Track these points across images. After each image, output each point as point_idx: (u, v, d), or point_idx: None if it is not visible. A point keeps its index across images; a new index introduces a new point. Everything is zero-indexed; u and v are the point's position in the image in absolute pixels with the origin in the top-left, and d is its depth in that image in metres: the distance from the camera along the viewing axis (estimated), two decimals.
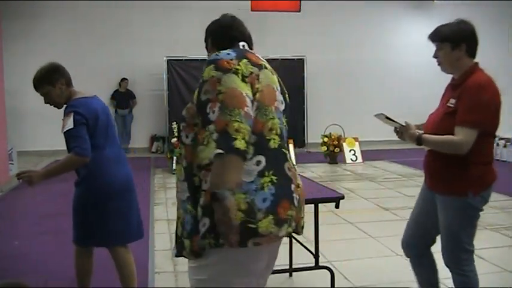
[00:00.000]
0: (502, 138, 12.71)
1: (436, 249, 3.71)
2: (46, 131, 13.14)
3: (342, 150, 12.60)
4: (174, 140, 11.56)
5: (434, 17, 16.51)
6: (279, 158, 2.42)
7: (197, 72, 14.18)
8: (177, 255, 2.53)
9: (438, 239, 3.66)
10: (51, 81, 3.94)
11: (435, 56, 3.55)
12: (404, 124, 3.61)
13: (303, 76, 14.84)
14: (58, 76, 3.97)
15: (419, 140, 3.46)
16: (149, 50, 14.49)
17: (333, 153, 12.47)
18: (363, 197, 8.46)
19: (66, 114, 3.85)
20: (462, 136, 3.24)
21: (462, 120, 3.26)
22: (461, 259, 3.53)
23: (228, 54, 2.43)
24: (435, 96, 14.97)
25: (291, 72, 14.45)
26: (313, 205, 4.13)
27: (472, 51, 3.46)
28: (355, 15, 15.79)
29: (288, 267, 4.83)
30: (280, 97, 2.57)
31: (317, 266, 4.21)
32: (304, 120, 14.83)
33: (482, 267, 5.24)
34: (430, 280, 3.85)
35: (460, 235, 3.49)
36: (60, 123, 3.84)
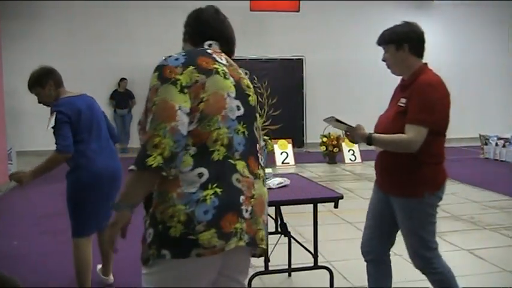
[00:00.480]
0: (501, 138, 12.72)
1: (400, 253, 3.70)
2: (45, 131, 13.12)
3: (340, 150, 12.60)
4: None
5: (433, 17, 16.55)
6: (225, 169, 2.32)
7: None
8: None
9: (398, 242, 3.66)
10: (41, 84, 4.33)
11: (383, 60, 3.61)
12: (354, 126, 3.61)
13: (302, 76, 14.85)
14: (48, 79, 4.33)
15: (369, 140, 3.46)
16: (148, 50, 14.46)
17: (332, 153, 12.47)
18: (361, 196, 8.44)
19: (51, 113, 4.22)
20: (412, 134, 3.25)
21: (412, 118, 3.28)
22: (427, 258, 3.50)
23: (176, 59, 2.36)
24: None
25: (290, 72, 14.49)
26: (312, 205, 4.12)
27: (417, 51, 3.51)
28: (354, 15, 15.79)
29: (287, 267, 4.82)
30: (233, 103, 2.41)
31: (316, 266, 4.20)
32: (303, 120, 14.85)
33: (481, 267, 5.27)
34: (383, 286, 3.82)
35: (422, 235, 3.47)
36: None
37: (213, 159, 2.29)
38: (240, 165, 2.37)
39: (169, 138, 2.18)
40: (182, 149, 2.24)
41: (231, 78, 2.44)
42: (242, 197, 2.32)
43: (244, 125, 2.44)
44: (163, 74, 2.30)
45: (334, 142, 12.46)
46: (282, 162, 12.18)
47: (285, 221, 4.48)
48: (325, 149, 12.44)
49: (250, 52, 14.33)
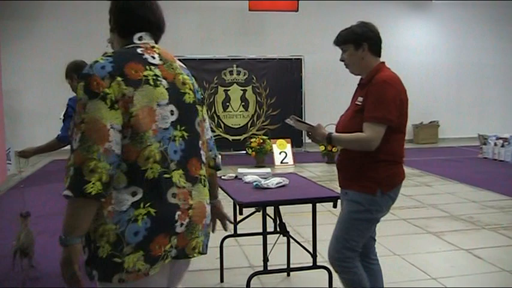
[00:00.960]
0: (500, 138, 12.72)
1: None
2: (43, 131, 13.07)
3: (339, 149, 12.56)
4: None
5: (432, 17, 16.58)
6: (160, 187, 2.20)
7: (195, 71, 14.09)
8: None
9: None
10: (69, 76, 4.80)
11: (341, 59, 3.60)
12: (314, 125, 3.60)
13: (301, 76, 14.83)
14: (73, 73, 4.79)
15: (329, 139, 3.45)
16: None
17: (330, 153, 12.46)
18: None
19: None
20: (369, 132, 3.25)
21: (369, 116, 3.28)
22: (345, 256, 3.46)
23: (103, 67, 2.16)
24: (433, 96, 15.06)
25: (289, 72, 14.49)
26: (310, 205, 4.12)
27: (375, 50, 3.50)
28: (353, 15, 15.69)
29: (285, 267, 4.83)
30: (165, 111, 2.26)
31: (315, 266, 4.20)
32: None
33: (480, 267, 5.28)
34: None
35: (352, 231, 3.45)
36: (57, 122, 4.25)
37: (147, 177, 2.17)
38: (176, 175, 2.27)
39: (105, 161, 2.06)
40: (116, 168, 2.13)
41: (164, 82, 2.29)
42: (178, 213, 2.24)
43: (182, 128, 2.33)
44: (90, 86, 2.13)
45: None
46: (281, 162, 12.19)
47: (283, 221, 4.48)
48: (324, 148, 12.43)
49: (249, 52, 14.35)
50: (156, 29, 2.47)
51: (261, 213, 4.15)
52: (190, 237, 2.29)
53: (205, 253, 2.42)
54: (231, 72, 14.36)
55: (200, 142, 2.44)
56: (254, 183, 4.27)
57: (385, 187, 3.34)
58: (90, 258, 2.19)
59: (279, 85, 14.40)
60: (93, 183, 2.03)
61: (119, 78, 2.15)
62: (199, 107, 2.46)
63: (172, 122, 2.28)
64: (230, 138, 14.12)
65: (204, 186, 2.42)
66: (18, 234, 4.75)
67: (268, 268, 4.20)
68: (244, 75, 14.42)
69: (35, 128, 13.86)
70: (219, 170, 2.76)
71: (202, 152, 2.44)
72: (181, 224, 2.24)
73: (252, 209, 4.36)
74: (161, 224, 2.18)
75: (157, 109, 2.22)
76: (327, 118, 13.65)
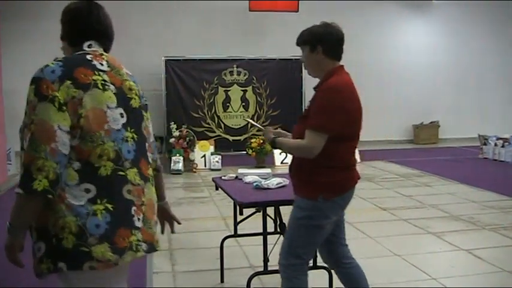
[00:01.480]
0: (500, 138, 12.73)
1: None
2: None
3: None
4: (172, 140, 11.56)
5: (433, 17, 16.57)
6: (114, 184, 2.34)
7: (195, 72, 14.18)
8: None
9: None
10: None
11: (302, 60, 3.53)
12: (264, 128, 3.65)
13: (301, 76, 14.81)
14: None
15: (273, 143, 3.46)
16: (147, 50, 14.47)
17: None
18: (361, 197, 8.45)
19: None
20: (309, 140, 3.18)
21: (310, 123, 3.20)
22: (290, 263, 3.40)
23: (53, 72, 2.29)
24: (434, 97, 15.04)
25: (289, 73, 14.45)
26: None
27: (331, 53, 3.39)
28: (354, 16, 15.77)
29: None
30: (115, 113, 2.40)
31: (315, 266, 4.20)
32: None
33: (480, 267, 5.29)
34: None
35: (297, 238, 3.38)
36: None
37: (100, 174, 2.30)
38: (132, 173, 2.42)
39: (51, 160, 2.18)
40: (64, 167, 2.24)
41: (112, 87, 2.42)
42: (134, 208, 2.38)
43: (132, 130, 2.48)
44: (40, 89, 2.25)
45: None
46: (281, 162, 12.16)
47: (284, 221, 4.47)
48: None
49: (249, 52, 14.33)
50: (104, 38, 2.59)
51: (261, 213, 4.15)
52: (150, 231, 2.46)
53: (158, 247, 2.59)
54: (231, 73, 14.35)
55: (147, 145, 2.60)
56: (254, 184, 4.27)
57: (327, 193, 3.25)
58: (52, 252, 2.26)
59: (279, 85, 14.39)
60: (39, 181, 2.16)
61: (68, 82, 2.28)
62: (144, 112, 2.62)
63: (123, 123, 2.43)
64: (230, 138, 14.10)
65: (152, 185, 2.58)
66: None
67: (269, 268, 4.19)
68: (244, 75, 14.41)
69: None
70: (160, 172, 2.83)
71: (148, 153, 2.61)
72: (139, 219, 2.39)
73: (253, 210, 4.35)
74: (120, 218, 2.32)
75: (107, 111, 2.36)
76: None
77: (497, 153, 12.64)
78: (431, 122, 16.55)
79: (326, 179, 3.25)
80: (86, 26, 2.53)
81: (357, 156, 12.40)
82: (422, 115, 16.42)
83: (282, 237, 4.50)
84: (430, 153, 14.36)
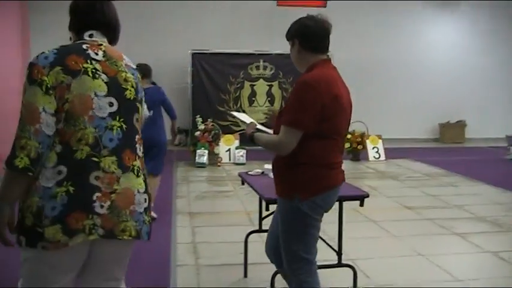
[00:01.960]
0: None
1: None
2: None
3: (364, 147, 12.53)
4: (197, 133, 11.59)
5: (460, 16, 16.41)
6: (85, 168, 2.43)
7: (221, 66, 14.21)
8: None
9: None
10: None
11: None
12: (248, 122, 3.64)
13: None
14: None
15: (251, 138, 3.43)
16: (174, 44, 14.52)
17: (356, 150, 12.42)
18: (385, 195, 8.41)
19: None
20: (282, 136, 3.10)
21: (283, 119, 3.13)
22: (296, 267, 3.34)
23: (46, 58, 2.44)
24: (461, 96, 14.91)
25: None
26: (337, 202, 4.10)
27: (310, 46, 3.27)
28: (381, 13, 15.67)
29: None
30: (103, 101, 2.49)
31: (340, 264, 4.19)
32: None
33: (505, 270, 5.23)
34: None
35: (291, 241, 3.31)
36: None
37: (76, 158, 2.41)
38: (107, 161, 2.49)
39: (34, 139, 2.33)
40: (48, 148, 2.38)
41: (103, 76, 2.52)
42: (97, 194, 2.43)
43: (121, 119, 2.56)
44: (31, 74, 2.40)
45: (359, 139, 12.40)
46: None
47: None
48: (349, 145, 12.38)
49: (276, 47, 14.28)
50: (107, 29, 2.69)
51: None
52: (117, 220, 2.47)
53: (145, 239, 2.63)
54: (257, 67, 14.36)
55: (137, 137, 2.66)
56: None
57: (302, 193, 3.16)
58: (18, 226, 2.44)
59: None
60: (21, 158, 2.31)
61: (58, 68, 2.41)
62: (139, 105, 2.69)
63: (110, 112, 2.51)
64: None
65: (138, 176, 2.61)
66: None
67: None
68: (270, 70, 14.40)
69: None
70: None
71: (138, 146, 2.66)
72: (102, 206, 2.43)
73: None
74: (77, 202, 2.39)
75: (94, 98, 2.46)
76: (353, 115, 13.58)
77: None
78: (457, 121, 16.39)
79: (301, 177, 3.17)
80: (88, 17, 2.65)
81: (382, 154, 12.43)
82: (449, 114, 16.27)
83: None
84: (455, 153, 14.22)
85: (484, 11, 16.38)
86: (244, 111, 14.09)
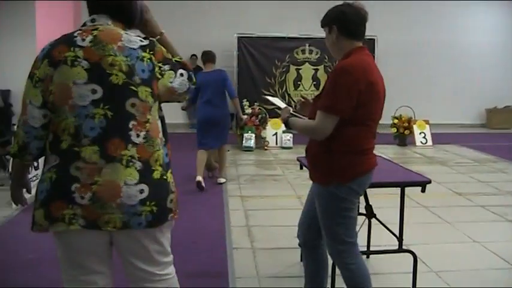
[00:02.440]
0: None
1: None
2: None
3: (412, 132, 12.45)
4: (244, 117, 11.65)
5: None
6: (67, 158, 2.42)
7: (267, 49, 14.24)
8: None
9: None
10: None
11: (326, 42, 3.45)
12: (282, 107, 3.61)
13: (374, 56, 14.67)
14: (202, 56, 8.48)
15: (286, 123, 3.44)
16: (220, 27, 14.59)
17: (402, 135, 12.35)
18: (435, 181, 8.27)
19: None
20: (318, 121, 3.12)
21: (320, 104, 3.14)
22: (339, 250, 3.36)
23: (42, 51, 2.51)
24: (507, 80, 14.70)
25: None
26: (399, 188, 4.12)
27: (348, 33, 3.26)
28: None
29: (365, 249, 4.85)
30: (83, 89, 2.40)
31: (400, 250, 4.21)
32: None
33: None
34: (315, 275, 3.69)
35: (332, 225, 3.33)
36: None
37: (62, 147, 2.44)
38: (88, 151, 2.39)
39: (22, 129, 2.49)
40: (36, 138, 2.50)
41: (84, 62, 2.40)
42: (76, 185, 2.39)
43: (106, 106, 2.41)
44: (32, 68, 2.51)
45: (406, 124, 12.32)
46: None
47: (370, 204, 4.45)
48: (396, 130, 12.32)
49: (321, 31, 14.14)
50: (115, 11, 2.58)
51: None
52: (100, 211, 2.39)
53: (136, 229, 2.45)
54: (303, 51, 14.36)
55: (132, 123, 2.44)
56: None
57: (339, 178, 3.20)
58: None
59: None
60: (13, 145, 2.56)
61: (46, 60, 2.45)
62: (136, 88, 2.45)
63: (93, 100, 2.41)
64: (302, 117, 14.13)
65: (128, 166, 2.42)
66: None
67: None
68: (316, 54, 14.38)
69: None
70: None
71: (133, 132, 2.44)
72: (82, 197, 2.39)
73: None
74: (56, 191, 2.42)
75: (73, 87, 2.41)
76: (400, 100, 13.54)
77: None
78: (505, 107, 16.16)
79: (337, 164, 3.20)
80: (93, 1, 2.61)
81: (429, 139, 12.33)
82: (496, 99, 16.04)
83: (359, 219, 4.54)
84: (503, 139, 14.01)
85: None
86: (289, 95, 14.13)
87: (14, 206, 5.92)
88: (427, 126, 12.68)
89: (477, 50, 15.99)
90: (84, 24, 2.55)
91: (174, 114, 11.87)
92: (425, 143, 12.51)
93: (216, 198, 7.25)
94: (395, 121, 12.38)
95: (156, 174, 2.48)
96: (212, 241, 5.52)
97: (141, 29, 2.79)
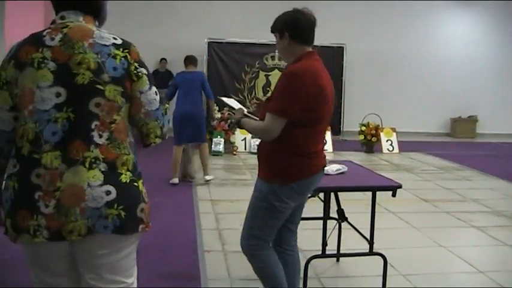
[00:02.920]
0: None
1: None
2: None
3: (379, 139, 12.62)
4: (214, 122, 11.68)
5: (477, 11, 16.40)
6: (27, 165, 2.28)
7: (237, 55, 14.30)
8: None
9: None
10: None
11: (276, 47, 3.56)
12: (237, 108, 3.72)
13: (342, 64, 14.85)
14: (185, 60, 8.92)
15: (238, 123, 3.53)
16: (190, 32, 14.59)
17: (370, 142, 12.51)
18: (402, 187, 8.47)
19: None
20: (266, 122, 3.22)
21: (269, 107, 3.23)
22: (250, 243, 3.50)
23: (10, 51, 2.37)
24: (473, 91, 14.98)
25: (330, 60, 14.43)
26: (370, 193, 4.20)
27: (300, 38, 3.38)
28: (396, 6, 15.70)
29: (335, 252, 4.91)
30: (46, 93, 2.28)
31: (371, 253, 4.29)
32: (340, 108, 14.78)
33: None
34: (287, 276, 3.67)
35: (255, 219, 3.45)
36: None
37: (23, 154, 2.30)
38: (49, 156, 2.27)
39: None
40: (10, 142, 2.38)
41: (51, 64, 2.28)
42: (39, 193, 2.25)
43: (69, 109, 2.28)
44: None
45: (373, 131, 12.49)
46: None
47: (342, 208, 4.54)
48: (363, 137, 12.47)
49: None
50: (85, 6, 2.45)
51: (315, 198, 4.21)
52: (64, 220, 2.25)
53: (104, 233, 2.30)
54: (272, 58, 14.44)
55: (95, 123, 2.31)
56: None
57: (282, 178, 3.31)
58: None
59: None
60: None
61: (12, 62, 2.32)
62: (102, 87, 2.32)
63: (56, 104, 2.27)
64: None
65: (91, 168, 2.28)
66: None
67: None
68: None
69: None
70: (164, 139, 2.60)
71: (95, 133, 2.31)
72: (46, 205, 2.24)
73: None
74: (20, 200, 2.27)
75: (36, 91, 2.27)
76: (367, 107, 13.74)
77: None
78: (469, 116, 16.46)
79: (282, 164, 3.31)
80: None
81: (395, 147, 12.50)
82: (461, 109, 16.34)
83: (330, 223, 4.61)
84: (467, 147, 14.32)
85: (498, 8, 16.38)
86: (259, 101, 14.18)
87: None
88: (394, 134, 12.88)
89: (444, 61, 16.25)
90: (54, 22, 2.41)
91: None
92: (392, 150, 12.70)
93: (187, 202, 7.27)
94: (363, 128, 12.54)
95: (124, 178, 2.34)
96: (184, 244, 5.54)
97: None
